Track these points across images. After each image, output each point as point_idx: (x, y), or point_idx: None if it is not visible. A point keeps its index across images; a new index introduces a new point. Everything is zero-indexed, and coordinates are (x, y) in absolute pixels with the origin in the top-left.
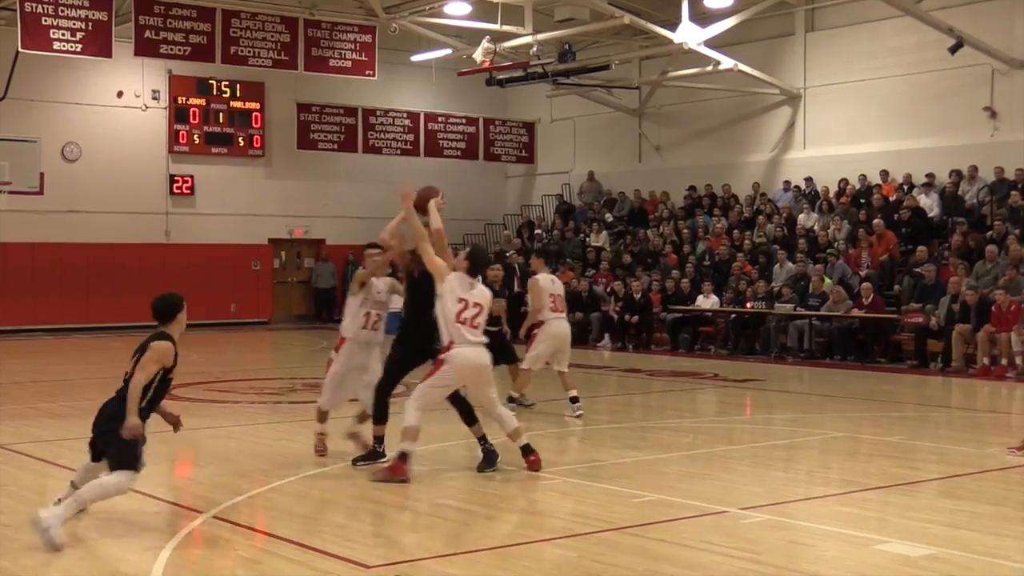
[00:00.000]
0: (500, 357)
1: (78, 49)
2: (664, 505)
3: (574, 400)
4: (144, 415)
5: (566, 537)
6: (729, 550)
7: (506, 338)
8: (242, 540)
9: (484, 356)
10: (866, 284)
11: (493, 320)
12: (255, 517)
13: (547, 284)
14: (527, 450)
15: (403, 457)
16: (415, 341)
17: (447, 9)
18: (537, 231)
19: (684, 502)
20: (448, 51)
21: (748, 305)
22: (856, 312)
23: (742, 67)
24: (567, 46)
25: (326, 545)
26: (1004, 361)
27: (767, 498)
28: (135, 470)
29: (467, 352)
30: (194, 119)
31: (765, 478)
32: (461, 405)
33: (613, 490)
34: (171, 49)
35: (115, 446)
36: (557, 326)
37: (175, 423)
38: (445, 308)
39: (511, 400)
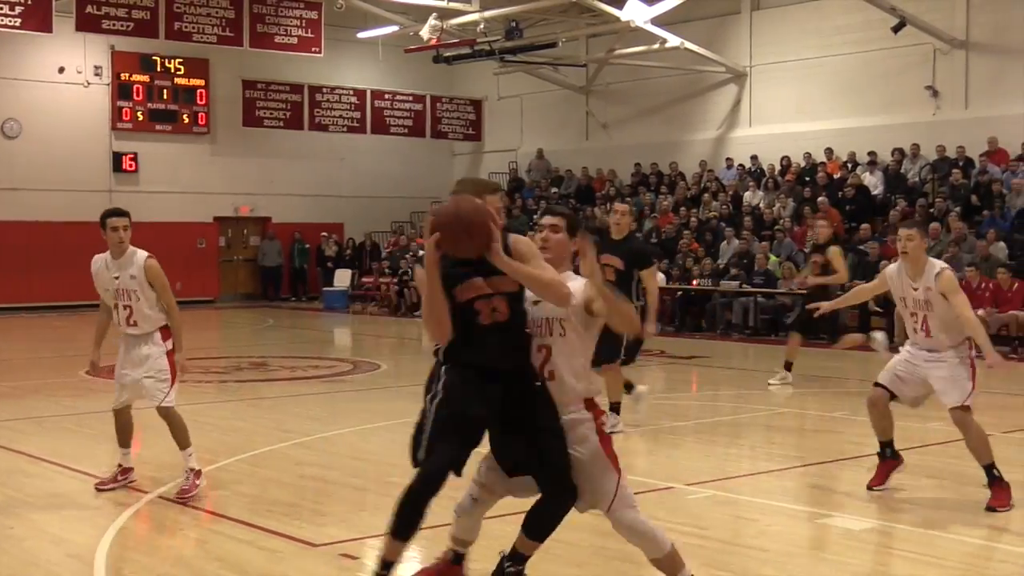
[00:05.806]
0: None
1: (17, 24)
2: None
3: None
4: None
5: (512, 514)
6: (675, 525)
7: None
8: (188, 520)
9: None
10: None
11: None
12: (201, 496)
13: None
14: None
15: None
16: None
17: None
18: None
19: (630, 478)
20: (395, 28)
21: (694, 282)
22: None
23: (689, 45)
24: (514, 23)
25: (273, 524)
26: None
27: (712, 473)
28: None
29: None
30: (138, 96)
31: (710, 454)
32: None
33: None
34: (113, 24)
35: None
36: None
37: None
38: None
39: None
